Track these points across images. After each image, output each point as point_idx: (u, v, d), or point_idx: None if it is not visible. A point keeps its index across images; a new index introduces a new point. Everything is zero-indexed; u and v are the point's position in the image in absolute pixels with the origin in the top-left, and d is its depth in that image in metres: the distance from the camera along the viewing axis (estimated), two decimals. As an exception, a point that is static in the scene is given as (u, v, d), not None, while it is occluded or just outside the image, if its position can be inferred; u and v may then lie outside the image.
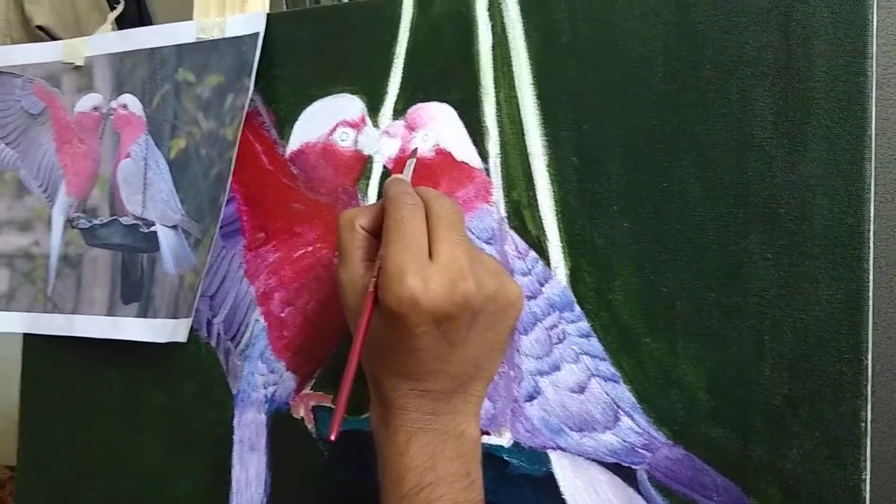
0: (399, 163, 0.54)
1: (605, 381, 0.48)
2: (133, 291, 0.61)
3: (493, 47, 0.52)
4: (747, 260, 0.44)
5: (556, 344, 0.49)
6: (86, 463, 0.66)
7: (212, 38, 0.60)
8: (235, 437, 0.59)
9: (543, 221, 0.50)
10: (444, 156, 0.52)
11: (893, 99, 0.69)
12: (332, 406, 0.55)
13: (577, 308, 0.49)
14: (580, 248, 0.49)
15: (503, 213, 0.51)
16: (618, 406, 0.47)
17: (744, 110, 0.45)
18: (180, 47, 0.62)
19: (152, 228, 0.61)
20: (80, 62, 0.66)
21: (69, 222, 0.65)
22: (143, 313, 0.60)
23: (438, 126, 0.53)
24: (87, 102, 0.65)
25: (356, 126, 0.55)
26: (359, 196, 0.55)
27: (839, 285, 0.42)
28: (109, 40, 0.65)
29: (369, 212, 0.46)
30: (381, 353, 0.44)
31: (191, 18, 0.63)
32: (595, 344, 0.48)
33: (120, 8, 0.76)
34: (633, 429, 0.47)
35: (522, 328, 0.50)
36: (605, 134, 0.48)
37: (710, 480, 0.45)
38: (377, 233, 0.45)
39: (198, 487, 0.60)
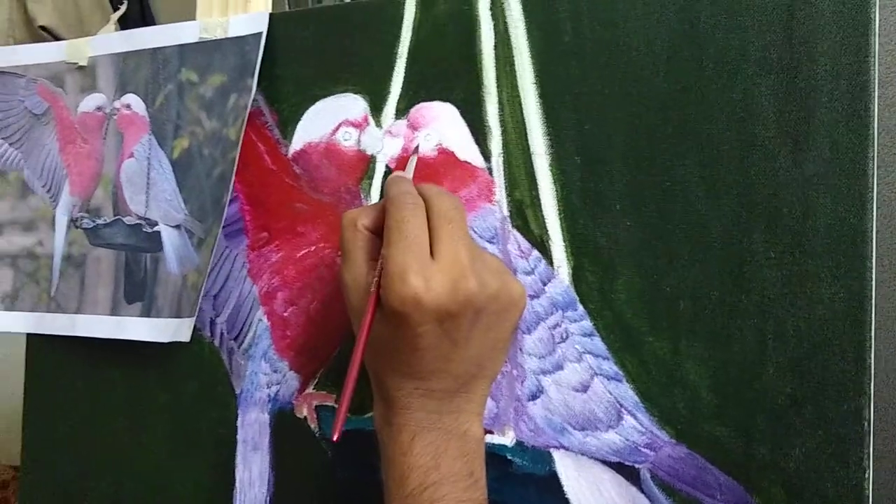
0: (401, 162, 0.54)
1: (608, 380, 0.48)
2: (136, 291, 0.62)
3: (496, 47, 0.52)
4: (750, 259, 0.44)
5: (559, 343, 0.49)
6: (89, 462, 0.66)
7: (215, 38, 0.60)
8: (239, 437, 0.59)
9: (546, 221, 0.50)
10: (446, 155, 0.53)
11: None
12: (336, 405, 0.55)
13: (580, 307, 0.49)
14: (583, 248, 0.49)
15: (506, 213, 0.51)
16: (621, 405, 0.47)
17: (747, 109, 0.45)
18: (183, 47, 0.62)
19: (156, 228, 0.61)
20: (83, 62, 0.66)
21: (73, 222, 0.65)
22: (147, 313, 0.60)
23: (441, 125, 0.53)
24: (90, 102, 0.65)
25: (359, 126, 0.56)
26: (361, 196, 0.55)
27: (842, 284, 0.42)
28: (113, 40, 0.65)
29: (372, 211, 0.46)
30: (385, 353, 0.44)
31: (194, 18, 0.63)
32: (598, 343, 0.48)
33: (123, 8, 0.76)
34: (636, 428, 0.47)
35: (525, 327, 0.50)
36: (608, 133, 0.48)
37: (713, 479, 0.45)
38: (380, 232, 0.45)
39: (201, 487, 0.60)
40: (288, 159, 0.58)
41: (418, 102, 0.54)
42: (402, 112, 0.54)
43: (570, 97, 0.49)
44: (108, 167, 0.64)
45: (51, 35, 1.38)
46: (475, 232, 0.51)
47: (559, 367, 0.49)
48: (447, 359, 0.42)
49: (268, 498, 0.58)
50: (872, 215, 0.42)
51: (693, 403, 0.46)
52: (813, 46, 0.43)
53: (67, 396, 0.67)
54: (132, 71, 0.64)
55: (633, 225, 0.47)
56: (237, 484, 0.59)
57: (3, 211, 0.68)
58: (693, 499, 0.46)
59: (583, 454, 0.48)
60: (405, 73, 0.54)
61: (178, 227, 0.60)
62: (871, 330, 0.42)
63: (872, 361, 0.42)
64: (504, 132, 0.51)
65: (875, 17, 0.42)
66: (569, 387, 0.49)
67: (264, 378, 0.58)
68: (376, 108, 0.55)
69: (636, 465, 0.47)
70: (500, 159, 0.51)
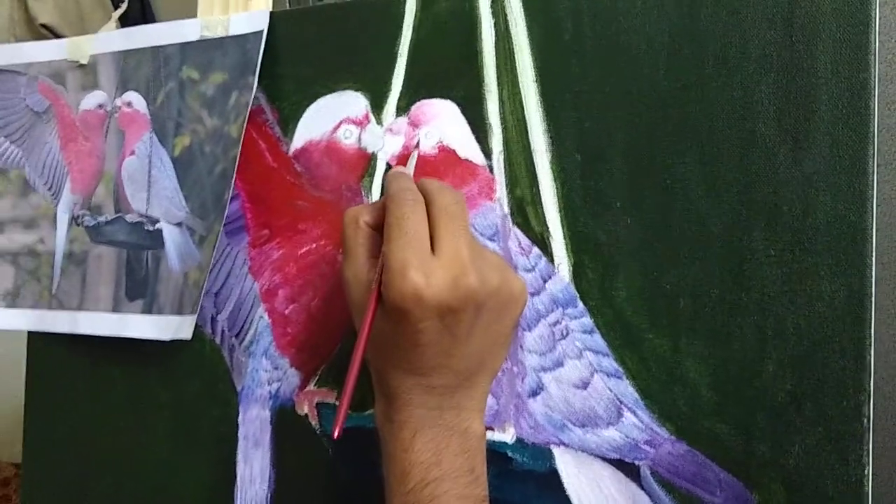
0: (402, 160, 0.54)
1: (609, 376, 0.48)
2: (138, 288, 0.62)
3: (496, 44, 0.52)
4: (750, 256, 0.45)
5: (560, 340, 0.49)
6: (90, 460, 0.66)
7: (216, 37, 0.60)
8: (240, 434, 0.59)
9: (547, 218, 0.50)
10: (447, 153, 0.53)
11: (896, 96, 0.69)
12: (337, 402, 0.55)
13: (581, 304, 0.49)
14: (583, 245, 0.49)
15: (506, 210, 0.51)
16: (621, 402, 0.47)
17: (747, 107, 0.45)
18: (184, 45, 0.62)
19: (157, 226, 0.61)
20: (84, 60, 0.66)
21: (74, 220, 0.65)
22: (148, 310, 0.61)
23: (442, 123, 0.53)
24: (91, 100, 0.65)
25: (360, 123, 0.56)
26: (362, 193, 0.55)
27: (842, 281, 0.42)
28: (114, 38, 0.65)
29: (373, 209, 0.46)
30: (386, 349, 0.44)
31: (194, 16, 0.63)
32: (598, 340, 0.48)
33: (124, 6, 0.76)
34: (636, 425, 0.47)
35: (525, 324, 0.50)
36: (609, 131, 0.48)
37: (713, 476, 0.45)
38: (381, 229, 0.45)
39: (202, 484, 0.61)
40: (289, 157, 0.58)
41: (419, 100, 0.54)
42: (402, 110, 0.54)
43: (571, 95, 0.49)
44: (109, 165, 0.64)
45: (52, 33, 1.38)
46: (476, 229, 0.51)
47: (559, 363, 0.49)
48: (448, 354, 0.43)
49: (269, 495, 0.58)
50: (872, 213, 0.42)
51: (693, 400, 0.46)
52: (813, 44, 0.43)
53: (69, 394, 0.67)
54: (133, 69, 0.64)
55: (634, 222, 0.47)
56: (238, 481, 0.59)
57: (5, 209, 0.68)
58: (693, 496, 0.46)
59: (583, 451, 0.49)
60: (406, 70, 0.54)
61: (179, 224, 0.60)
62: (870, 327, 0.42)
63: (872, 359, 0.42)
64: (505, 130, 0.51)
65: (875, 14, 0.42)
66: (569, 384, 0.49)
67: (265, 375, 0.58)
68: (377, 106, 0.55)
69: (636, 462, 0.47)
70: (501, 157, 0.51)
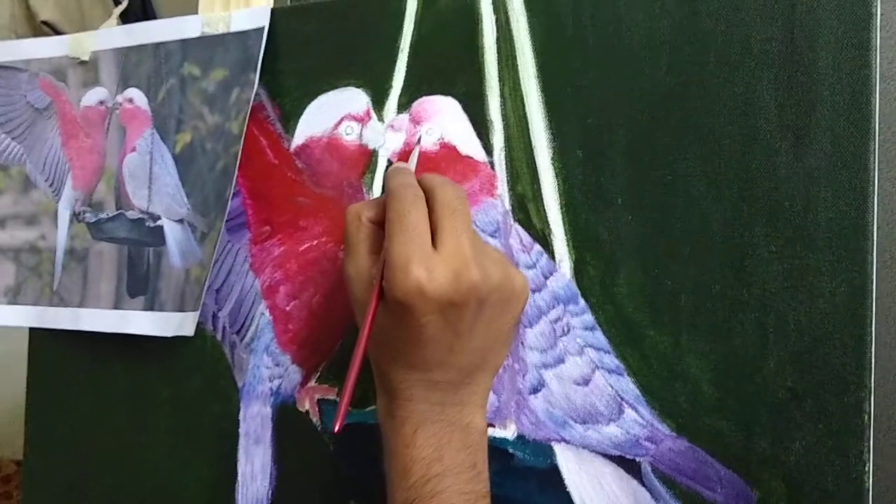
0: (403, 157, 0.54)
1: (610, 373, 0.48)
2: (139, 285, 0.62)
3: (498, 41, 0.52)
4: (752, 253, 0.45)
5: (561, 337, 0.49)
6: (92, 456, 0.66)
7: (217, 33, 0.60)
8: (241, 431, 0.59)
9: (548, 215, 0.50)
10: (448, 149, 0.53)
11: (897, 93, 0.69)
12: (338, 399, 0.55)
13: (582, 301, 0.49)
14: (585, 242, 0.49)
15: (508, 207, 0.51)
16: (622, 398, 0.47)
17: (748, 103, 0.45)
18: (185, 42, 0.62)
19: (158, 222, 0.61)
20: (85, 57, 0.66)
21: (75, 216, 0.65)
22: (150, 307, 0.61)
23: (443, 120, 0.53)
24: (92, 97, 0.66)
25: (361, 120, 0.56)
26: (364, 190, 0.55)
27: (843, 278, 0.42)
28: (115, 35, 0.65)
29: (375, 205, 0.46)
30: (388, 345, 0.44)
31: (195, 13, 0.63)
32: (599, 336, 0.48)
33: (125, 3, 0.76)
34: (637, 421, 0.47)
35: (527, 321, 0.50)
36: (610, 127, 0.48)
37: (713, 472, 0.45)
38: (383, 225, 0.45)
39: (203, 481, 0.61)
40: (290, 153, 0.58)
41: (420, 97, 0.54)
42: (404, 106, 0.54)
43: (572, 91, 0.49)
44: (110, 161, 0.64)
45: (53, 30, 1.38)
46: (477, 226, 0.51)
47: (561, 360, 0.49)
48: (450, 350, 0.43)
49: (270, 491, 0.58)
50: (873, 209, 0.42)
51: (694, 397, 0.46)
52: (814, 40, 0.43)
53: (70, 390, 0.67)
54: (134, 65, 0.64)
55: (635, 219, 0.47)
56: (239, 477, 0.59)
57: (6, 205, 0.68)
58: (694, 492, 0.46)
59: (584, 447, 0.49)
60: (407, 67, 0.54)
61: (180, 221, 0.60)
62: (871, 324, 0.42)
63: (873, 355, 0.42)
64: (506, 126, 0.51)
65: (876, 10, 0.42)
66: (570, 380, 0.49)
67: (266, 372, 0.58)
68: (378, 103, 0.55)
69: (637, 459, 0.47)
70: (502, 153, 0.51)
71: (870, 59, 0.42)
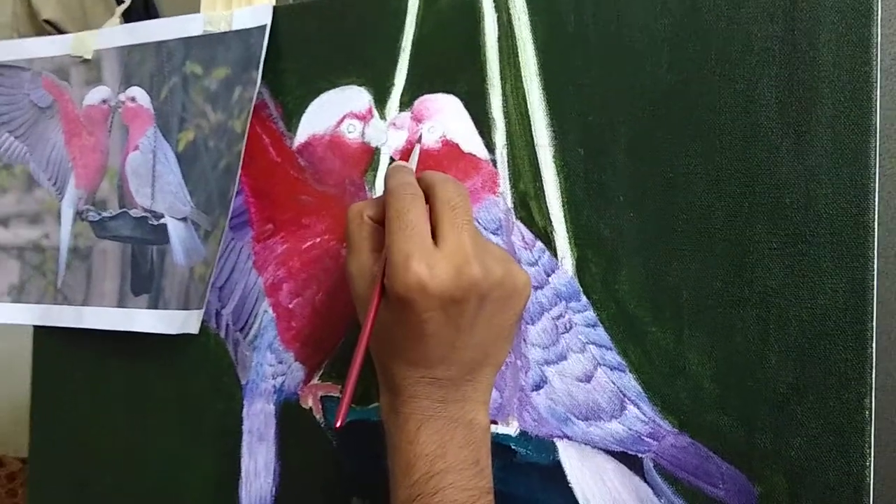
0: (406, 154, 0.54)
1: (612, 370, 0.48)
2: (143, 283, 0.62)
3: (499, 38, 0.52)
4: (753, 249, 0.45)
5: (563, 333, 0.49)
6: (96, 454, 0.66)
7: (219, 31, 0.60)
8: (244, 428, 0.59)
9: (550, 212, 0.50)
10: (450, 147, 0.53)
11: (899, 89, 0.69)
12: (340, 396, 0.56)
13: (584, 298, 0.49)
14: (586, 239, 0.49)
15: (510, 204, 0.51)
16: (624, 395, 0.48)
17: (749, 100, 0.45)
18: (188, 40, 0.62)
19: (161, 221, 0.61)
20: (88, 55, 0.66)
21: (79, 215, 0.66)
22: (154, 305, 0.61)
23: (445, 117, 0.53)
24: (95, 95, 0.66)
25: (363, 118, 0.56)
26: (366, 188, 0.56)
27: (844, 274, 0.42)
28: (117, 34, 0.65)
29: (377, 203, 0.47)
30: (391, 342, 0.44)
31: (197, 12, 0.63)
32: (601, 333, 0.48)
33: (127, 2, 0.76)
34: (639, 417, 0.47)
35: (529, 318, 0.50)
36: (611, 125, 0.48)
37: (715, 468, 0.45)
38: (384, 223, 0.45)
39: (207, 478, 0.61)
40: (293, 151, 0.58)
41: (422, 95, 0.54)
42: (406, 104, 0.55)
43: (574, 88, 0.49)
44: (113, 160, 0.64)
45: (55, 29, 1.38)
46: (479, 223, 0.51)
47: (563, 357, 0.49)
48: (452, 346, 0.43)
49: (273, 488, 0.58)
50: (874, 206, 0.42)
51: (696, 393, 0.46)
52: (815, 37, 0.43)
53: (74, 388, 0.67)
54: (137, 64, 0.64)
55: (637, 216, 0.48)
56: (243, 474, 0.59)
57: (10, 204, 0.69)
58: (695, 488, 0.46)
59: (586, 444, 0.49)
60: (409, 65, 0.55)
61: (184, 219, 0.61)
62: (872, 320, 0.42)
63: (874, 351, 0.42)
64: (508, 124, 0.51)
65: (877, 7, 0.42)
66: (572, 377, 0.49)
67: (270, 369, 0.58)
68: (380, 101, 0.55)
69: (639, 455, 0.48)
70: (504, 151, 0.51)
71: (870, 56, 0.42)
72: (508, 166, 0.51)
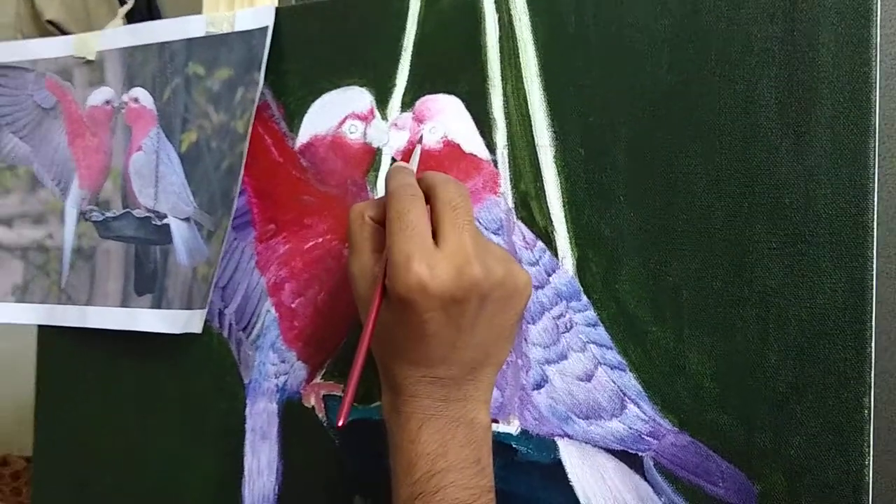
0: (407, 155, 0.54)
1: (612, 369, 0.48)
2: (146, 283, 0.62)
3: (500, 39, 0.52)
4: (752, 249, 0.45)
5: (564, 333, 0.49)
6: (100, 453, 0.67)
7: (221, 33, 0.61)
8: (247, 427, 0.60)
9: (551, 212, 0.50)
10: (451, 147, 0.53)
11: (899, 89, 0.69)
12: (343, 395, 0.56)
13: (584, 297, 0.49)
14: (587, 239, 0.49)
15: (511, 204, 0.51)
16: (624, 394, 0.48)
17: (749, 101, 0.45)
18: (190, 41, 0.62)
19: (165, 221, 0.62)
20: (91, 56, 0.66)
21: (82, 215, 0.66)
22: (157, 305, 0.61)
23: (446, 118, 0.53)
24: (98, 96, 0.66)
25: (365, 118, 0.56)
26: (368, 188, 0.56)
27: (843, 274, 0.43)
28: (120, 35, 0.66)
29: (378, 204, 0.47)
30: (392, 341, 0.44)
31: (199, 13, 0.63)
32: (602, 333, 0.48)
33: (130, 3, 0.76)
34: (639, 416, 0.47)
35: (530, 317, 0.50)
36: (612, 125, 0.48)
37: (715, 467, 0.45)
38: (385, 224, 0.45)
39: (210, 476, 0.61)
40: (295, 152, 0.58)
41: (424, 95, 0.54)
42: (407, 105, 0.55)
43: (574, 89, 0.50)
44: (116, 160, 0.65)
45: (58, 29, 1.38)
46: (480, 223, 0.52)
47: (563, 356, 0.49)
48: (453, 346, 0.43)
49: (276, 487, 0.58)
50: (873, 206, 0.42)
51: (696, 392, 0.46)
52: (815, 38, 0.43)
53: (78, 387, 0.68)
54: (140, 65, 0.64)
55: (637, 216, 0.48)
56: (246, 473, 0.59)
57: (13, 204, 0.69)
58: (695, 486, 0.46)
59: (587, 442, 0.49)
60: (410, 66, 0.55)
61: (187, 219, 0.61)
62: (871, 319, 0.42)
63: (873, 350, 0.42)
64: (509, 124, 0.51)
65: (877, 7, 0.42)
66: (573, 376, 0.49)
67: (272, 368, 0.59)
68: (382, 101, 0.56)
69: (639, 454, 0.48)
70: (505, 151, 0.52)
71: (870, 56, 0.42)
72: (509, 166, 0.51)
